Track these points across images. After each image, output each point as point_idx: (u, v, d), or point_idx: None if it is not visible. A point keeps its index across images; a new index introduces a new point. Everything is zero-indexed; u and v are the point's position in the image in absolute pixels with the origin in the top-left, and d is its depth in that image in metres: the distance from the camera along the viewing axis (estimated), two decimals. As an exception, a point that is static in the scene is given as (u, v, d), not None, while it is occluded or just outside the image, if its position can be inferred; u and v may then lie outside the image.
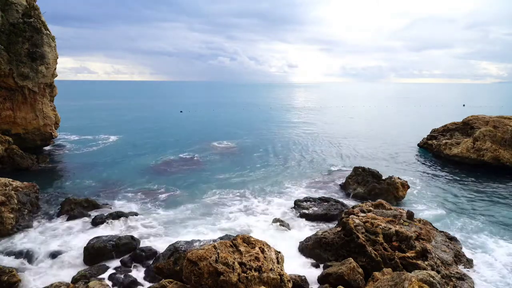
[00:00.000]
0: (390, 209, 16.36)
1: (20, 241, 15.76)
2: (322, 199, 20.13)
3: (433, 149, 34.42)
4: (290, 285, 10.66)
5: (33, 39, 30.56)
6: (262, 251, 10.90)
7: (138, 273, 13.42)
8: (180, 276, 11.02)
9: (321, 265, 13.57)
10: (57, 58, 33.42)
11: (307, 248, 14.57)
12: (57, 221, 18.08)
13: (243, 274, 9.95)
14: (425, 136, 37.37)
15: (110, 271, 13.41)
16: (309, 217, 18.50)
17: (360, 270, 12.09)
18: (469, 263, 13.73)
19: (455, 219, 18.78)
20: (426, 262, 12.30)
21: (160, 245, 14.97)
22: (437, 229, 15.49)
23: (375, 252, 12.72)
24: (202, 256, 10.10)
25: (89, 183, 24.64)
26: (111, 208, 19.88)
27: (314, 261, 13.94)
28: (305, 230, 17.34)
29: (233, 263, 10.08)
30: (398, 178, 22.63)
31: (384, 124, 59.85)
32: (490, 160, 28.69)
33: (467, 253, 14.50)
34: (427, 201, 21.58)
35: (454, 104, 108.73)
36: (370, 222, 14.11)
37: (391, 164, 31.24)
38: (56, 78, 34.57)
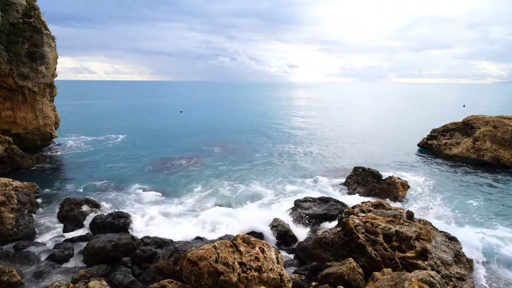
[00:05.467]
0: (390, 209, 16.35)
1: (20, 241, 15.77)
2: (322, 199, 20.10)
3: (433, 149, 34.43)
4: (290, 285, 10.66)
5: (33, 39, 30.56)
6: (262, 251, 10.89)
7: (138, 273, 13.41)
8: (180, 276, 11.02)
9: (321, 265, 13.55)
10: (57, 58, 33.43)
11: (307, 248, 14.56)
12: (57, 221, 18.08)
13: (243, 274, 9.95)
14: (425, 136, 37.36)
15: (110, 271, 13.41)
16: (309, 217, 18.49)
17: (360, 270, 12.08)
18: (469, 263, 13.72)
19: (455, 219, 18.78)
20: (426, 262, 12.29)
21: (160, 245, 14.96)
22: (437, 229, 15.47)
23: (375, 252, 12.72)
24: (202, 256, 10.10)
25: (89, 183, 24.63)
26: (111, 208, 19.89)
27: (314, 262, 13.93)
28: (305, 230, 17.34)
29: (233, 263, 10.08)
30: (398, 178, 22.64)
31: (384, 124, 59.85)
32: (490, 160, 28.69)
33: (467, 253, 14.48)
34: (427, 201, 21.57)
35: (454, 104, 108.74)
36: (370, 222, 14.10)
37: (391, 164, 31.23)
38: (56, 78, 34.57)
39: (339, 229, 14.37)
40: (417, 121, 63.56)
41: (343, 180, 25.21)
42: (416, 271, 10.88)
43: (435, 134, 36.40)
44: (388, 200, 20.15)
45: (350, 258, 12.39)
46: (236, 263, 10.12)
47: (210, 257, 10.09)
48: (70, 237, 16.50)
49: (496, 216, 19.19)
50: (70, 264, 14.22)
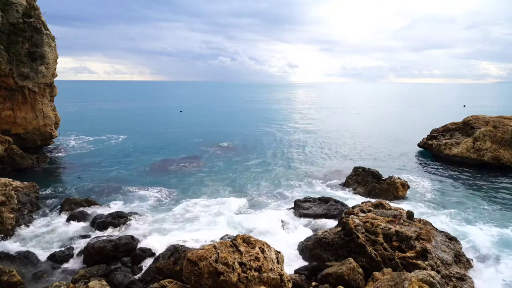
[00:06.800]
0: (390, 209, 16.36)
1: (20, 241, 15.77)
2: (322, 199, 20.11)
3: (433, 149, 34.41)
4: (290, 285, 10.66)
5: (33, 39, 30.55)
6: (262, 251, 10.89)
7: (138, 273, 13.43)
8: (180, 276, 11.02)
9: (321, 265, 13.57)
10: (57, 58, 33.41)
11: (307, 248, 14.57)
12: (57, 221, 18.08)
13: (243, 274, 9.95)
14: (425, 136, 37.34)
15: (110, 271, 13.41)
16: (309, 217, 18.50)
17: (360, 270, 12.08)
18: (469, 263, 13.72)
19: (455, 219, 18.76)
20: (426, 262, 12.29)
21: (160, 245, 14.97)
22: (437, 229, 15.47)
23: (375, 252, 12.72)
24: (202, 256, 10.10)
25: (89, 183, 24.63)
26: (111, 208, 19.89)
27: (314, 261, 13.94)
28: (305, 230, 17.33)
29: (233, 263, 10.08)
30: (398, 178, 22.63)
31: (384, 124, 59.86)
32: (490, 160, 28.66)
33: (467, 253, 14.49)
34: (427, 201, 21.57)
35: (454, 104, 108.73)
36: (370, 222, 14.11)
37: (391, 164, 31.23)
38: (56, 78, 34.56)
39: (339, 229, 14.38)
40: (417, 121, 63.57)
41: (343, 180, 25.21)
42: (416, 271, 10.89)
43: (435, 134, 36.37)
44: (388, 200, 20.15)
45: (350, 258, 12.39)
46: (236, 263, 10.12)
47: (210, 257, 10.09)
48: (70, 237, 16.49)
49: (496, 216, 19.19)
50: (70, 264, 14.23)
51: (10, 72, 29.32)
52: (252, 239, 11.30)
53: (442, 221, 18.35)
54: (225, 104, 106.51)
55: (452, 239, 15.05)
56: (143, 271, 13.49)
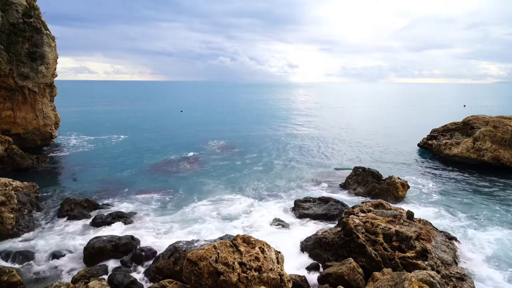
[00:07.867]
0: (390, 209, 16.36)
1: (20, 241, 15.77)
2: (322, 199, 20.11)
3: (433, 149, 34.42)
4: (290, 285, 10.66)
5: (33, 39, 30.55)
6: (262, 251, 10.89)
7: (138, 273, 13.43)
8: (180, 276, 11.03)
9: (321, 265, 13.58)
10: (57, 58, 33.41)
11: (307, 248, 14.57)
12: (57, 221, 18.09)
13: (243, 274, 9.95)
14: (425, 136, 37.35)
15: (110, 271, 13.42)
16: (309, 217, 18.50)
17: (360, 270, 12.09)
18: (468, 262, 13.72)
19: (455, 219, 18.77)
20: (426, 262, 12.30)
21: (160, 245, 14.98)
22: (437, 229, 15.48)
23: (375, 252, 12.72)
24: (202, 256, 10.10)
25: (89, 183, 24.63)
26: (111, 208, 19.90)
27: (315, 261, 13.94)
28: (305, 230, 17.32)
29: (233, 263, 10.08)
30: (398, 178, 22.62)
31: (384, 124, 59.84)
32: (490, 160, 28.66)
33: (468, 253, 14.49)
34: (427, 201, 21.56)
35: (454, 104, 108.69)
36: (370, 222, 14.11)
37: (391, 164, 31.23)
38: (56, 78, 34.56)
39: (339, 229, 14.38)
40: (417, 121, 63.55)
41: (343, 180, 25.21)
42: (416, 271, 10.88)
43: (435, 134, 36.37)
44: (388, 200, 20.16)
45: (350, 258, 12.39)
46: (236, 263, 10.12)
47: (210, 257, 10.10)
48: (70, 237, 16.49)
49: (496, 216, 19.18)
50: (70, 264, 14.22)
51: (10, 72, 29.32)
52: (252, 239, 11.31)
53: (442, 221, 18.37)
54: (225, 104, 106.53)
55: (452, 239, 15.06)
56: (143, 271, 13.50)
